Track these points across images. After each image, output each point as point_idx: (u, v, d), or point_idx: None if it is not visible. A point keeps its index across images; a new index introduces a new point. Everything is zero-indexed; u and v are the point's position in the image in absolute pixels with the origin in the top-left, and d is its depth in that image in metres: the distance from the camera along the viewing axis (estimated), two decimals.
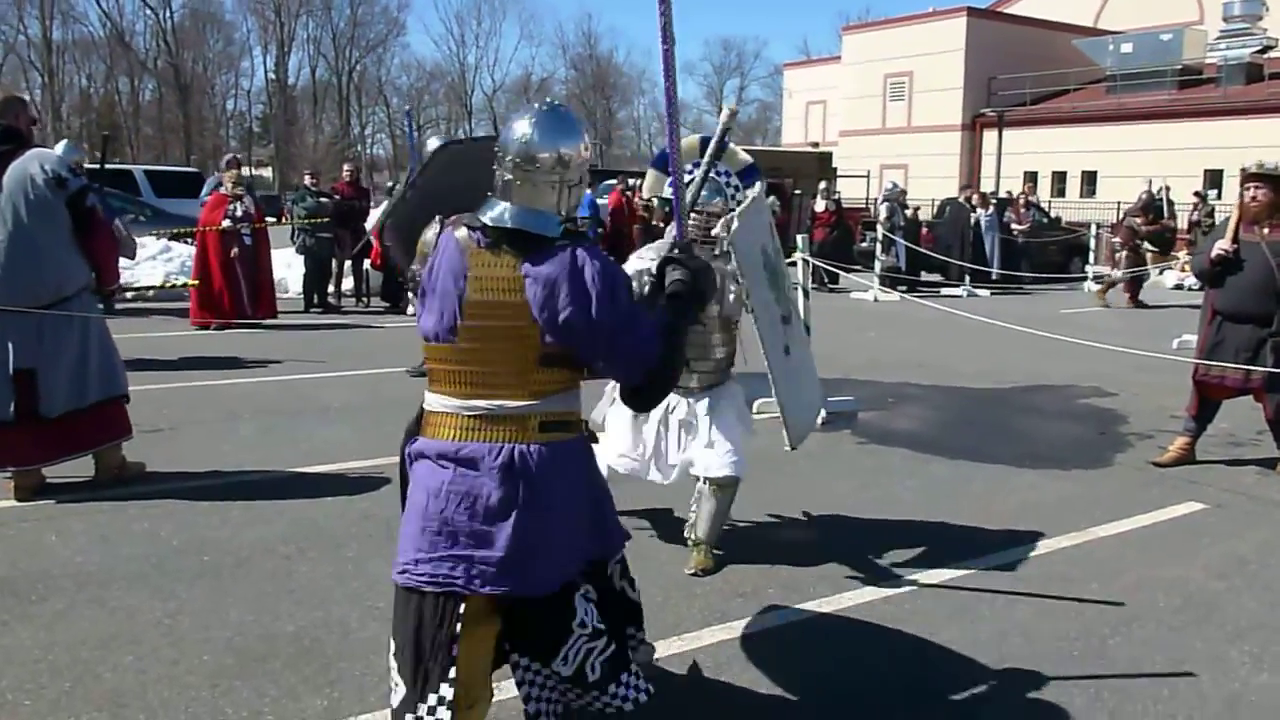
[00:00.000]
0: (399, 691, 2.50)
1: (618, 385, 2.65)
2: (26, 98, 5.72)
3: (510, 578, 2.46)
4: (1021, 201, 19.60)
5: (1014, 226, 18.69)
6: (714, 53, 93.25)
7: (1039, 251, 18.82)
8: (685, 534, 4.66)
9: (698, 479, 4.51)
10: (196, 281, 10.75)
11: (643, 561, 4.53)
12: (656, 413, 4.37)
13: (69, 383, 5.22)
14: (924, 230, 18.22)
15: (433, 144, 8.77)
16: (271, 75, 67.21)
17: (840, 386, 8.33)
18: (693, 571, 4.45)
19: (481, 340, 2.48)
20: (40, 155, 5.17)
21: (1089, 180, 32.58)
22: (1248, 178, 6.17)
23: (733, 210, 4.44)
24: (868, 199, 31.61)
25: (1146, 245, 15.82)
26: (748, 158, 4.79)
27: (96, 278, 5.43)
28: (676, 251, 2.67)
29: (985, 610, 4.12)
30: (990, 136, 31.95)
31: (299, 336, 10.85)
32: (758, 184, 4.74)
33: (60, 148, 9.14)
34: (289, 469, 5.77)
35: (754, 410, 7.59)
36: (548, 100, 2.65)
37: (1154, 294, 16.24)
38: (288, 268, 14.17)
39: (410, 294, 6.99)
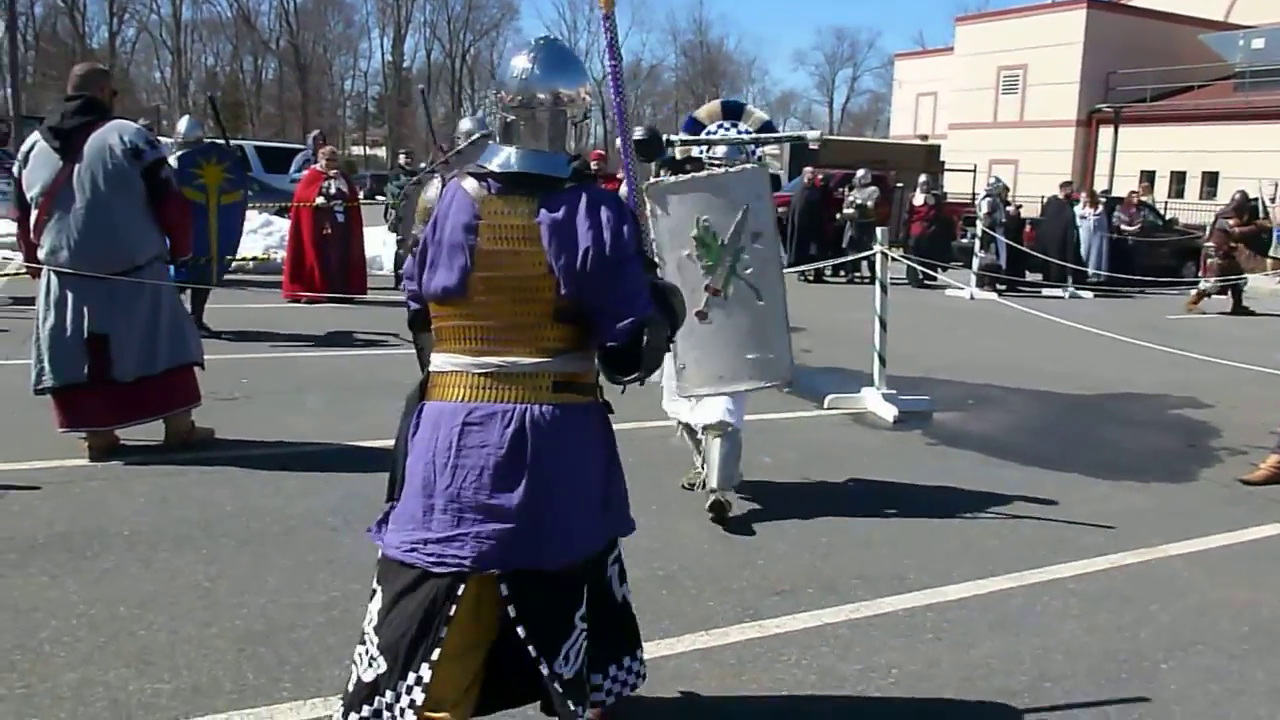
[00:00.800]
0: (374, 668, 2.43)
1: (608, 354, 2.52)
2: (155, 76, 5.99)
3: (519, 551, 2.38)
4: (1134, 201, 18.83)
5: (1123, 226, 17.99)
6: (826, 42, 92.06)
7: (1149, 253, 18.07)
8: (682, 483, 5.29)
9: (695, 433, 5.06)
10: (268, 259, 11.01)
11: (679, 550, 4.49)
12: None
13: (141, 349, 5.39)
14: (1027, 228, 17.65)
15: (465, 125, 8.83)
16: (388, 57, 68.71)
17: (918, 386, 8.12)
18: (711, 513, 4.85)
19: (494, 293, 2.39)
20: (120, 126, 5.32)
21: (1209, 181, 31.19)
22: None
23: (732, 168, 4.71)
24: (973, 194, 30.81)
25: (1241, 247, 15.01)
26: (765, 116, 5.03)
27: (172, 247, 5.59)
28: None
29: (1031, 624, 3.95)
30: (1106, 133, 30.81)
31: (385, 313, 11.02)
32: (765, 157, 5.07)
33: (183, 123, 9.43)
34: (348, 442, 5.87)
35: (825, 404, 7.49)
36: (544, 35, 2.58)
37: (1274, 303, 15.44)
38: (382, 245, 14.43)
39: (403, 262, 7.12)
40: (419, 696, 2.38)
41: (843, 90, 74.17)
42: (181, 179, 6.97)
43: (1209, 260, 15.32)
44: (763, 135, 5.07)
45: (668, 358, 4.58)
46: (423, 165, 16.20)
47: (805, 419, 7.26)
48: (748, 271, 4.63)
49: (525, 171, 2.43)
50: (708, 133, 4.97)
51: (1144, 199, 19.57)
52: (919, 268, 14.27)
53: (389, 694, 2.41)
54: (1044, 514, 5.29)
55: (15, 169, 5.42)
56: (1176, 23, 34.23)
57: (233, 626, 3.58)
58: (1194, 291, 15.55)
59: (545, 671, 2.44)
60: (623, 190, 2.96)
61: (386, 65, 68.92)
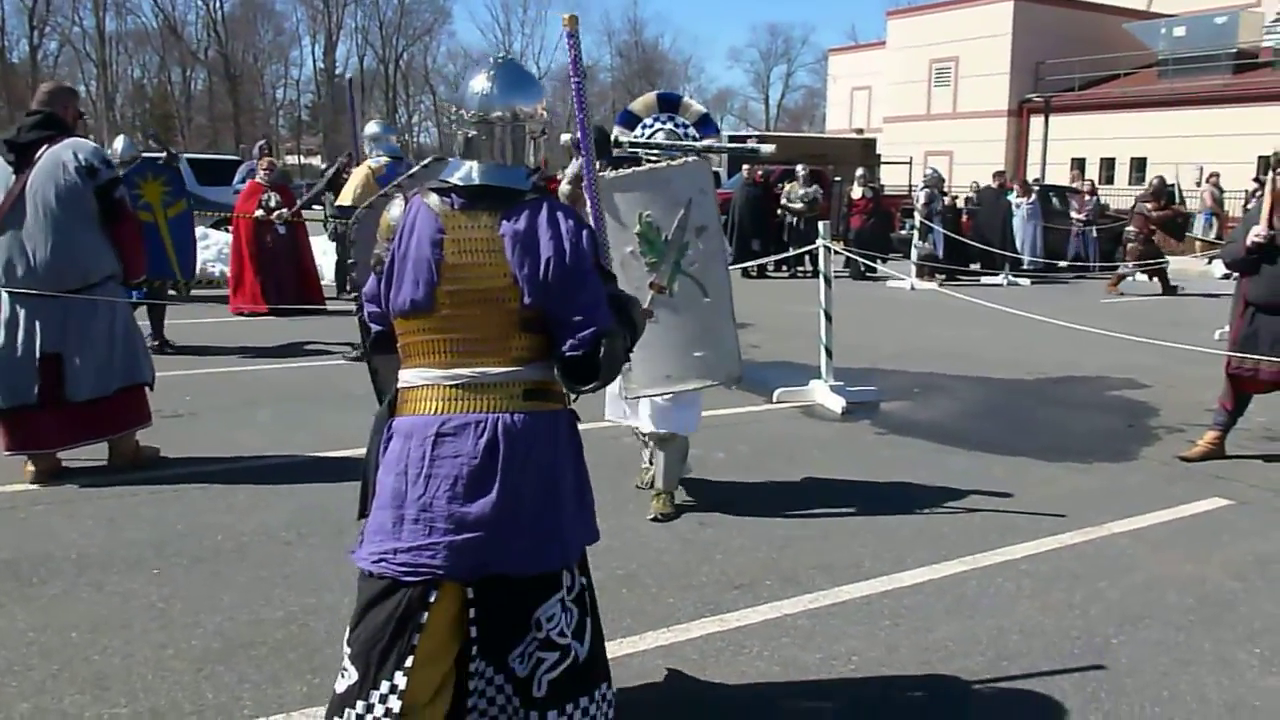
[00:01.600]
0: (345, 679, 2.44)
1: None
2: (80, 90, 5.89)
3: (488, 555, 2.41)
4: (1087, 189, 19.18)
5: (1074, 215, 18.39)
6: (761, 38, 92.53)
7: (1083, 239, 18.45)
8: (637, 483, 5.32)
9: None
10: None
11: (639, 548, 4.51)
12: None
13: (95, 369, 5.30)
14: (964, 218, 17.94)
15: (373, 128, 8.80)
16: (320, 65, 67.90)
17: (865, 377, 8.22)
18: (654, 517, 4.90)
19: (461, 305, 2.42)
20: (75, 144, 5.26)
21: (1138, 167, 31.86)
22: None
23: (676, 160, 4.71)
24: (910, 186, 31.23)
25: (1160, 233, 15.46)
26: (702, 109, 4.94)
27: (124, 269, 5.49)
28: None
29: (986, 606, 4.03)
30: (1037, 122, 31.38)
31: (335, 323, 10.91)
32: (712, 143, 4.95)
33: (119, 143, 9.26)
34: (300, 454, 5.80)
35: (774, 399, 7.56)
36: (501, 55, 2.63)
37: (1204, 284, 15.85)
38: (323, 255, 14.25)
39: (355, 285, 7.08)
40: (395, 704, 2.38)
41: (778, 86, 74.75)
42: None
43: (1129, 244, 15.70)
44: (717, 146, 5.08)
45: None
46: (327, 166, 15.74)
47: (755, 413, 7.32)
48: (693, 267, 4.64)
49: (487, 184, 2.47)
50: (644, 126, 4.94)
51: (1080, 187, 19.92)
52: (860, 260, 14.44)
53: (360, 704, 2.40)
54: (993, 498, 5.39)
55: None
56: (1102, 12, 35.00)
57: (189, 647, 3.53)
58: (1114, 274, 15.95)
59: (500, 678, 2.49)
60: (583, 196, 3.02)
61: (319, 73, 68.14)
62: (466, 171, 2.49)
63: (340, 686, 2.46)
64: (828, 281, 7.69)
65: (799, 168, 18.08)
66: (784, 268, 17.50)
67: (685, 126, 4.84)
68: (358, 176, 8.28)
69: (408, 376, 2.52)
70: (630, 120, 4.94)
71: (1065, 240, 18.50)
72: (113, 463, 5.53)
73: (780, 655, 3.58)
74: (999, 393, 8.21)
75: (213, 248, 14.66)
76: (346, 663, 2.46)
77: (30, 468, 5.31)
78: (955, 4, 36.67)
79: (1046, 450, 6.37)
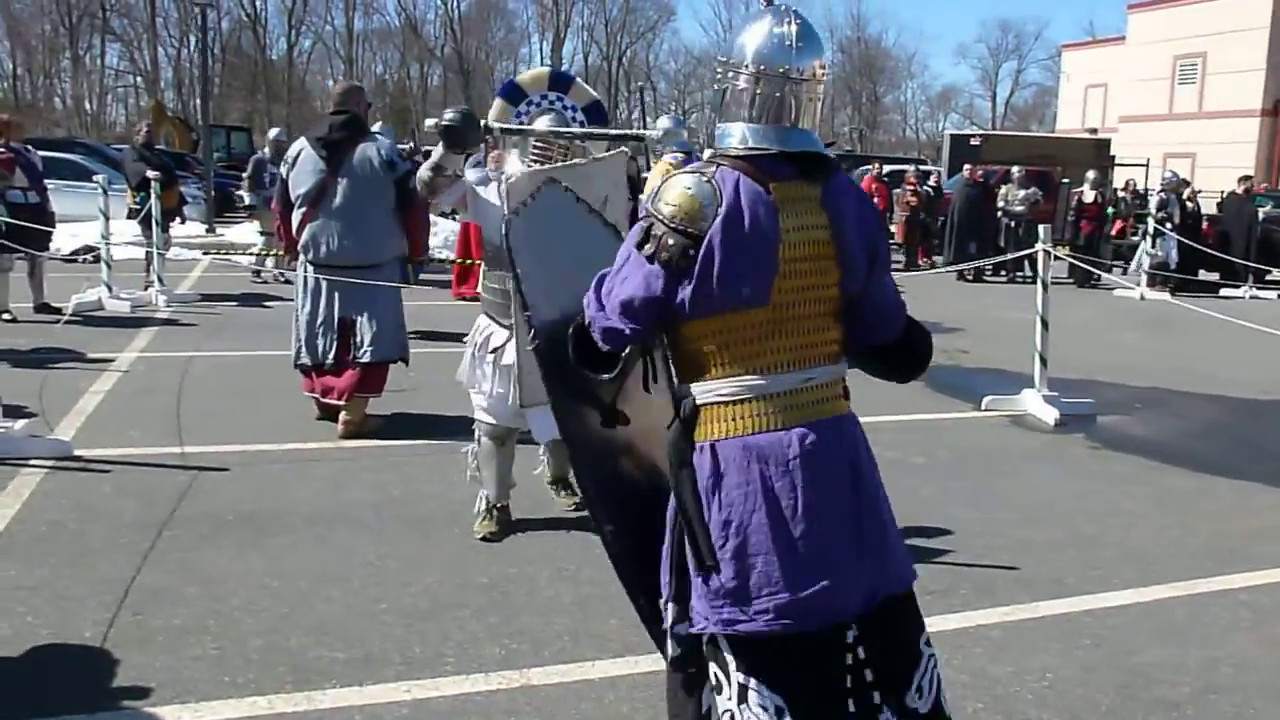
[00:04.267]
0: None
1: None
2: (362, 86, 6.99)
3: (882, 579, 2.15)
4: None
5: None
6: (990, 34, 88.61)
7: None
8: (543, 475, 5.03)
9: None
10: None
11: None
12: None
13: (380, 336, 5.93)
14: (1205, 225, 16.75)
15: (664, 123, 8.94)
16: (548, 61, 70.20)
17: (1082, 388, 7.84)
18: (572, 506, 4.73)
19: (795, 295, 2.13)
20: (378, 142, 6.10)
21: None
22: None
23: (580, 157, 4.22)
24: (1145, 189, 29.38)
25: None
26: (594, 94, 4.71)
27: (410, 247, 6.45)
28: None
29: (1196, 635, 3.81)
30: None
31: None
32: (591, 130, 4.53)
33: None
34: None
35: (983, 406, 7.33)
36: (788, 5, 2.28)
37: None
38: None
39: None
40: None
41: (1006, 84, 71.60)
42: None
43: None
44: (596, 132, 4.54)
45: (491, 366, 4.35)
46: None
47: (961, 420, 7.14)
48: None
49: (815, 152, 2.19)
50: (528, 102, 4.57)
51: None
52: (1085, 267, 13.76)
53: None
54: (1213, 522, 5.07)
55: (283, 171, 6.17)
56: None
57: (401, 604, 3.80)
58: None
59: (893, 712, 2.15)
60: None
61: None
62: (787, 138, 2.16)
63: None
64: (1045, 286, 7.38)
65: (1014, 169, 17.41)
66: (1002, 271, 16.88)
67: (574, 110, 4.59)
68: (656, 174, 8.56)
69: (715, 389, 2.14)
70: (515, 94, 4.65)
71: None
72: (344, 429, 5.97)
73: (969, 665, 3.51)
74: (1228, 412, 7.67)
75: (439, 235, 15.47)
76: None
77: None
78: None
79: (1276, 476, 5.92)
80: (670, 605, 2.29)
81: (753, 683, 2.11)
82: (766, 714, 2.09)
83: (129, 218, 11.86)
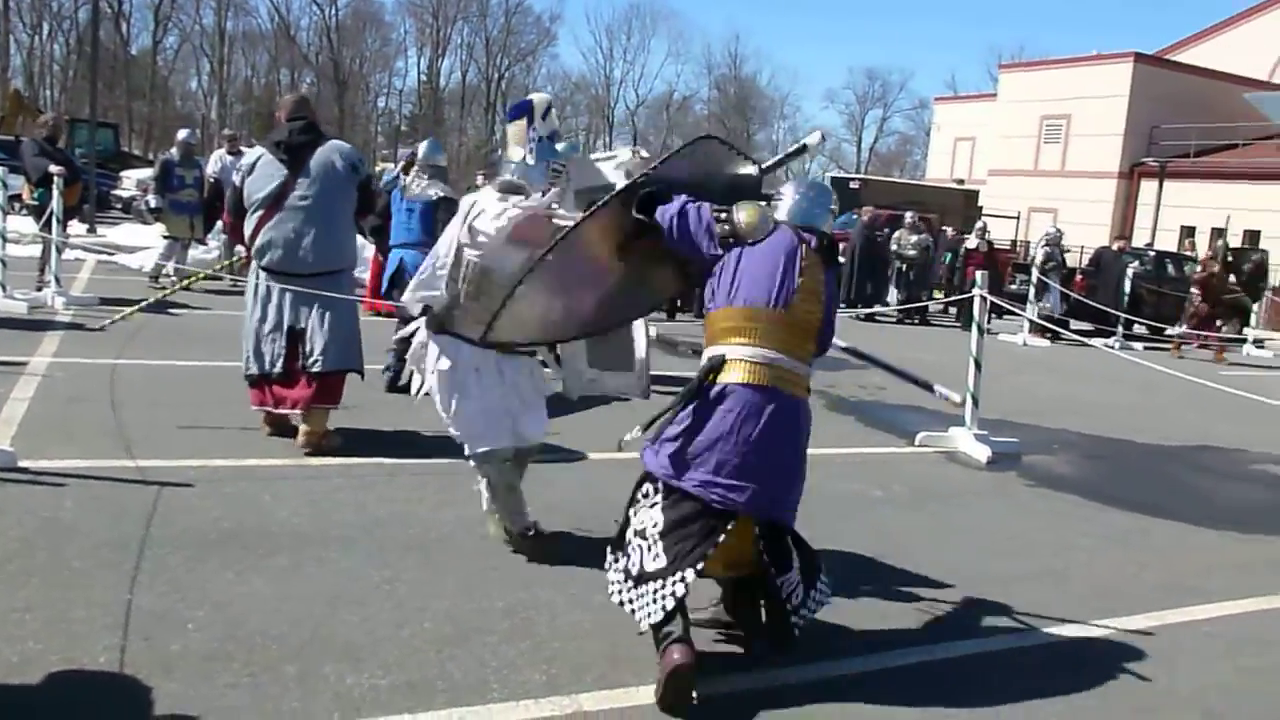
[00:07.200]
0: (656, 561, 3.43)
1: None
2: (309, 97, 6.81)
3: (774, 505, 3.50)
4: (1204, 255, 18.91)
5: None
6: (858, 81, 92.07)
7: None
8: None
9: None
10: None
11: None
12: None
13: (335, 345, 5.79)
14: (1078, 278, 17.77)
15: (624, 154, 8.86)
16: (424, 77, 69.41)
17: (1001, 428, 8.20)
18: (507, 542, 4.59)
19: (792, 317, 3.54)
20: (338, 146, 6.00)
21: (1251, 239, 31.20)
22: None
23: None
24: (1015, 241, 30.99)
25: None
26: (555, 124, 4.78)
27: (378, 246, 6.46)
28: None
29: (1184, 662, 4.05)
30: (1149, 187, 31.03)
31: None
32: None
33: (423, 147, 8.48)
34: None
35: (916, 442, 7.60)
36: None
37: None
38: None
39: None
40: (680, 590, 3.36)
41: (871, 130, 74.50)
42: None
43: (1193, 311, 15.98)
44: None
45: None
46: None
47: (900, 454, 7.38)
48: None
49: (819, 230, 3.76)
50: (533, 130, 4.66)
51: (1188, 254, 19.63)
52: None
53: (657, 581, 3.39)
54: (1164, 559, 5.39)
55: (238, 179, 5.89)
56: (1221, 80, 34.34)
57: (424, 629, 3.71)
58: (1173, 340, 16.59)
59: (780, 591, 3.52)
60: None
61: (422, 85, 69.61)
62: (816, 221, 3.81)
63: (650, 564, 3.43)
64: (981, 331, 7.72)
65: (908, 214, 18.15)
66: (894, 314, 17.51)
67: (539, 138, 4.64)
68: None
69: (736, 350, 3.51)
70: (530, 113, 4.66)
71: (1175, 306, 18.20)
72: (303, 443, 5.77)
73: (940, 699, 3.65)
74: (1139, 455, 8.17)
75: None
76: (658, 549, 3.44)
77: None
78: (1071, 62, 36.32)
79: (1202, 517, 6.33)
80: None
81: (658, 512, 3.51)
82: (653, 526, 3.49)
83: (25, 214, 11.20)
